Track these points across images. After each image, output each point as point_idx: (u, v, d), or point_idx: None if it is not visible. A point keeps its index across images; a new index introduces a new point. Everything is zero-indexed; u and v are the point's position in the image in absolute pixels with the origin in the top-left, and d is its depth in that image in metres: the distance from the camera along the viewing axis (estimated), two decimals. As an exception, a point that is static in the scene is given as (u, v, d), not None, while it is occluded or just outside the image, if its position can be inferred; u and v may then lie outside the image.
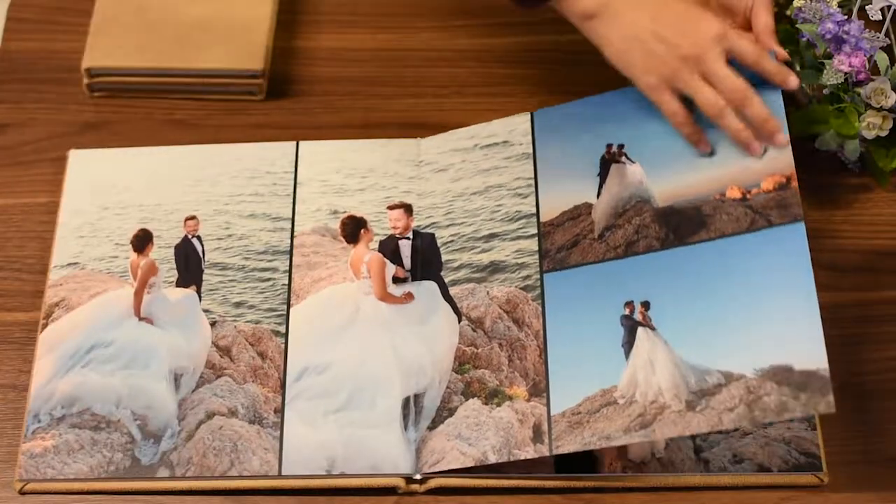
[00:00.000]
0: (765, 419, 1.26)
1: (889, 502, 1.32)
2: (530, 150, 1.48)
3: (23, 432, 1.35)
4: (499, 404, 1.35)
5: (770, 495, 1.33)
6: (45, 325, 1.42)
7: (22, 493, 1.33)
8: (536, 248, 1.42)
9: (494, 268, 1.43)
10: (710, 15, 1.38)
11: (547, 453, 1.31)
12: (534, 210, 1.45)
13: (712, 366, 1.29)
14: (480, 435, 1.33)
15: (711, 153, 1.40)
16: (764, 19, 1.38)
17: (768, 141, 1.36)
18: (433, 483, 1.33)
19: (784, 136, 1.36)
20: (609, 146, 1.44)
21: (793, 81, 1.37)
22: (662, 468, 1.33)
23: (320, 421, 1.36)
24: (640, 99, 1.41)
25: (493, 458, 1.32)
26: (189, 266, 1.47)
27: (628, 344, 1.33)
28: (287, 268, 1.45)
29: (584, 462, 1.33)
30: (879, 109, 1.43)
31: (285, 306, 1.43)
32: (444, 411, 1.36)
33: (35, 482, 1.33)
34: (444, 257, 1.45)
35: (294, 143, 1.53)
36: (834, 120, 1.45)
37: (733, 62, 1.37)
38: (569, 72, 1.59)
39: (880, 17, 1.43)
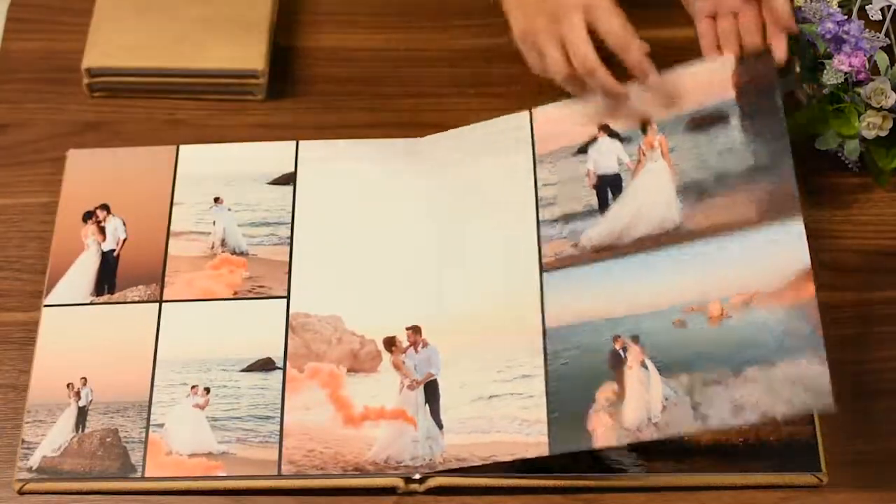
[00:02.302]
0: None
1: (889, 502, 1.32)
2: None
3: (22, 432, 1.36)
4: None
5: (770, 495, 1.33)
6: (44, 325, 1.42)
7: (21, 493, 1.33)
8: None
9: None
10: None
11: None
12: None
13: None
14: None
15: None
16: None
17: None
18: (433, 483, 1.33)
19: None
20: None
21: (653, 79, 1.35)
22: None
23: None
24: None
25: None
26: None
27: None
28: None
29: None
30: (879, 109, 1.43)
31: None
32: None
33: (34, 482, 1.33)
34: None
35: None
36: (834, 120, 1.45)
37: None
38: (569, 72, 1.59)
39: (880, 17, 1.43)
